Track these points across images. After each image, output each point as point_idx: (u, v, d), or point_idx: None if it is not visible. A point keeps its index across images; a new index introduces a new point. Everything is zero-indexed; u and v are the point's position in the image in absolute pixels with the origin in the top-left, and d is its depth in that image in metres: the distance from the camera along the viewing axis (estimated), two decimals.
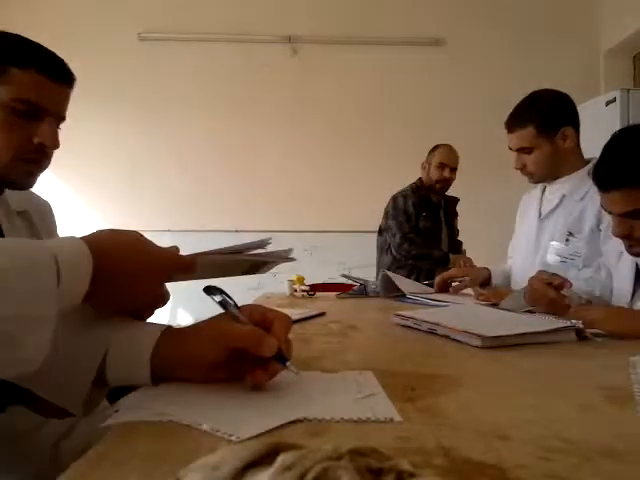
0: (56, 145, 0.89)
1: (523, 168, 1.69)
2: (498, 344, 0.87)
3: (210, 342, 0.55)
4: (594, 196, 1.58)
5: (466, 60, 3.71)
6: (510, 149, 1.71)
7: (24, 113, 0.86)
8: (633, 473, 0.40)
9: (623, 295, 1.27)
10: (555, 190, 1.70)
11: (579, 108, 3.13)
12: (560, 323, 0.97)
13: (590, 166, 1.64)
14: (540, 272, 1.27)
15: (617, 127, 2.77)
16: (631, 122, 2.82)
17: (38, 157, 0.89)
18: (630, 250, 1.16)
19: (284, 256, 0.93)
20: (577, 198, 1.63)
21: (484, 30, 3.73)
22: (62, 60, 0.90)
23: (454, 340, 0.91)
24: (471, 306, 1.28)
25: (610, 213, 1.15)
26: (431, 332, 0.99)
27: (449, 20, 3.73)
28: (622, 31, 3.43)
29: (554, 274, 1.22)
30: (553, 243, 1.64)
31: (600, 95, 3.19)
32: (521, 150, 1.66)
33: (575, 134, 1.66)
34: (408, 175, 3.71)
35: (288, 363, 0.55)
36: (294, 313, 1.26)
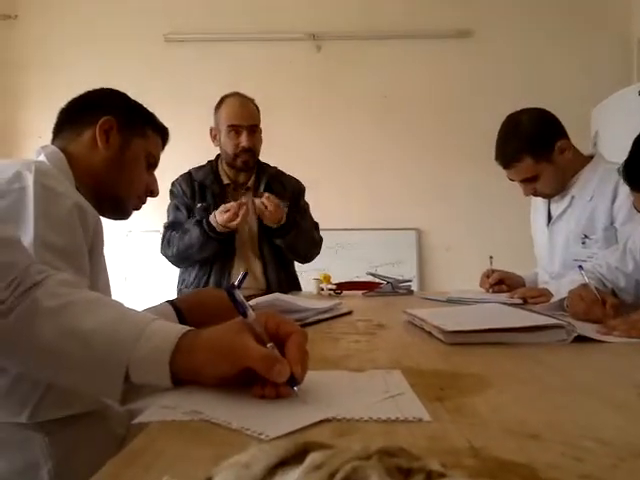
0: (158, 193, 1.14)
1: (534, 193, 1.67)
2: (462, 341, 0.86)
3: (222, 358, 0.56)
4: (602, 195, 1.56)
5: (494, 51, 3.64)
6: (512, 180, 1.67)
7: (150, 166, 1.10)
8: None
9: None
10: (563, 192, 1.67)
11: (612, 98, 3.09)
12: (549, 320, 0.91)
13: (589, 167, 1.62)
14: (583, 286, 1.20)
15: None
16: None
17: (145, 200, 1.12)
18: None
19: (341, 312, 1.28)
20: (587, 198, 1.60)
21: (512, 20, 3.65)
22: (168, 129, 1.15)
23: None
24: (490, 305, 1.26)
25: None
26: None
27: (475, 11, 3.66)
28: None
29: (597, 289, 1.17)
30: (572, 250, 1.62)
31: (633, 84, 3.09)
32: (526, 180, 1.64)
33: (569, 142, 1.62)
34: (436, 169, 3.68)
35: (296, 388, 0.54)
36: (320, 306, 1.26)
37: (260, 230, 1.96)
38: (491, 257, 1.80)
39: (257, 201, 1.86)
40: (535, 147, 1.58)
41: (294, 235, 1.93)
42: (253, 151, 1.93)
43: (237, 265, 1.93)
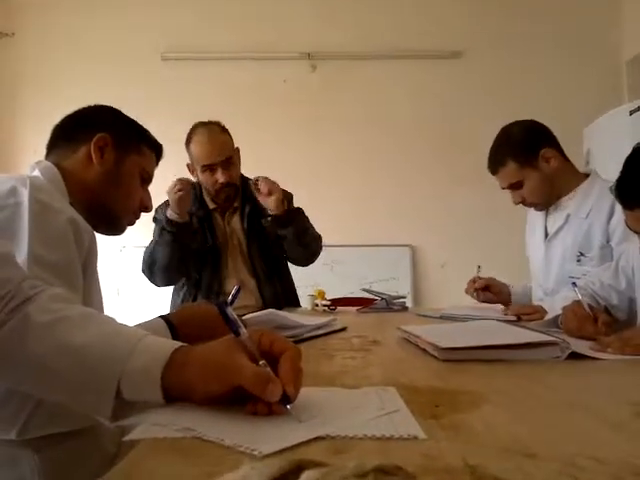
0: (152, 208, 1.16)
1: (523, 202, 1.70)
2: (456, 358, 0.86)
3: (214, 376, 0.56)
4: (598, 213, 1.57)
5: (484, 72, 3.70)
6: (503, 189, 1.71)
7: (144, 181, 1.10)
8: None
9: None
10: (560, 209, 1.69)
11: (603, 118, 3.13)
12: (543, 337, 0.91)
13: (585, 184, 1.64)
14: (577, 304, 1.20)
15: None
16: None
17: (139, 216, 1.13)
18: None
19: (336, 328, 1.29)
20: (582, 216, 1.61)
21: (502, 41, 3.70)
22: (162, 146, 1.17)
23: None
24: (485, 322, 1.26)
25: (637, 233, 1.11)
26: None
27: (466, 32, 3.72)
28: None
29: (590, 305, 1.17)
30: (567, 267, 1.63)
31: (624, 104, 3.14)
32: (512, 187, 1.67)
33: (557, 152, 1.65)
34: (430, 187, 3.71)
35: (289, 406, 0.54)
36: (315, 322, 1.26)
37: (250, 245, 1.95)
38: (479, 266, 1.82)
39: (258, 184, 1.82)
40: (518, 152, 1.63)
41: (301, 220, 1.90)
42: (232, 184, 1.90)
43: (226, 284, 1.91)
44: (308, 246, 1.97)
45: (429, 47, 3.72)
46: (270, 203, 1.83)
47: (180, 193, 1.77)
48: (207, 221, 1.96)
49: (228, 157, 1.87)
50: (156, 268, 1.89)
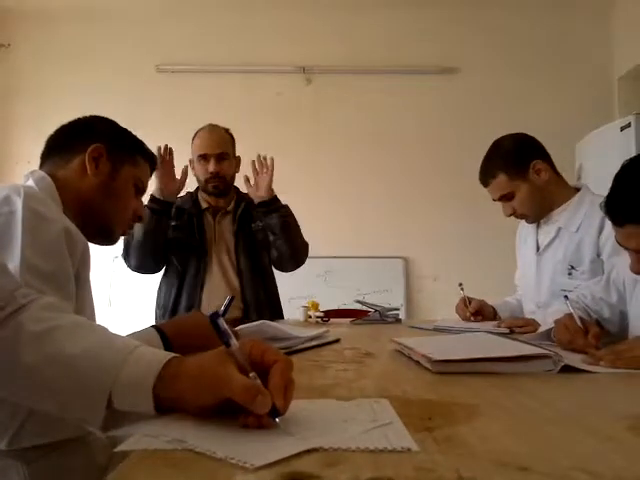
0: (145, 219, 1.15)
1: (514, 213, 1.71)
2: (449, 370, 0.86)
3: (204, 388, 0.56)
4: (589, 227, 1.58)
5: (480, 88, 3.73)
6: (494, 200, 1.73)
7: (138, 192, 1.11)
8: None
9: None
10: (550, 222, 1.70)
11: (593, 134, 3.17)
12: (536, 350, 0.91)
13: (576, 198, 1.65)
14: (569, 316, 1.19)
15: (632, 152, 2.74)
16: None
17: (132, 226, 1.14)
18: None
19: (329, 340, 1.30)
20: (573, 230, 1.62)
21: (497, 58, 3.75)
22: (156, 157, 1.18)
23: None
24: (478, 335, 1.26)
25: (627, 249, 1.12)
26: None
27: (462, 48, 3.77)
28: (636, 56, 3.43)
29: (582, 318, 1.17)
30: (557, 279, 1.63)
31: (615, 120, 3.18)
32: (503, 198, 1.69)
33: (547, 165, 1.67)
34: (422, 200, 3.73)
35: (278, 419, 0.53)
36: (308, 334, 1.26)
37: (237, 244, 2.00)
38: (460, 284, 1.83)
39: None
40: (509, 164, 1.64)
41: (287, 212, 1.97)
42: (222, 176, 1.99)
43: (211, 279, 1.95)
44: (294, 244, 2.00)
45: (423, 62, 3.76)
46: (263, 182, 1.94)
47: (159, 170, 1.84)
48: (197, 217, 2.03)
49: (223, 152, 1.99)
50: (132, 245, 1.93)
